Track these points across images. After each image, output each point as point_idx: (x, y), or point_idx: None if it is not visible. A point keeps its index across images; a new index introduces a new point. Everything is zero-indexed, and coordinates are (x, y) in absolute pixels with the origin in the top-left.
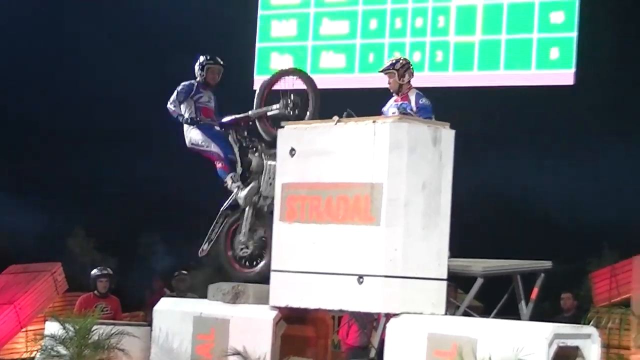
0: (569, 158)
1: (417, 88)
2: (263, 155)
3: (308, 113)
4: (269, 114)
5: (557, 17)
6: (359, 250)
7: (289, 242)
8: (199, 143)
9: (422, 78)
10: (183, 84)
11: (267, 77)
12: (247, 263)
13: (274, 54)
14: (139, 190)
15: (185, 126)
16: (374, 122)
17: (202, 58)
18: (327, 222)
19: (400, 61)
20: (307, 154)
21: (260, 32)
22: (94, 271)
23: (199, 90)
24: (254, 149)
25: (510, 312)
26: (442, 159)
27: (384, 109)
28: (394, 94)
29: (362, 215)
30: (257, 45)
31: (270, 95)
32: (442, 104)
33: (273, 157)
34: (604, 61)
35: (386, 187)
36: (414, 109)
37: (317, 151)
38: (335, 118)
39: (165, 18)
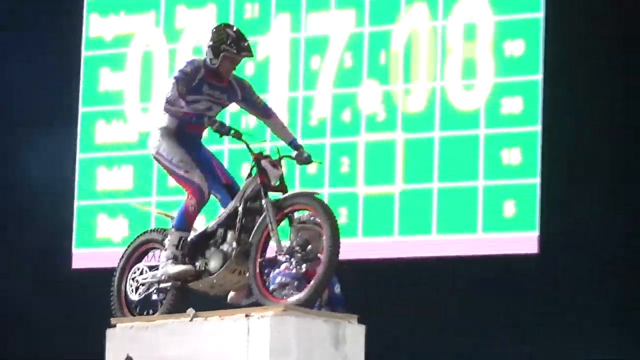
0: None
1: None
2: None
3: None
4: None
5: None
6: None
7: None
8: (174, 161)
9: None
10: (187, 62)
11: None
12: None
13: (102, 215)
14: None
15: (157, 130)
16: (247, 316)
17: (222, 34)
18: None
19: None
20: None
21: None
22: None
23: (202, 81)
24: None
25: None
26: None
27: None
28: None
29: None
30: (77, 203)
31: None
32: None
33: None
34: None
35: None
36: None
37: None
38: (191, 311)
39: None
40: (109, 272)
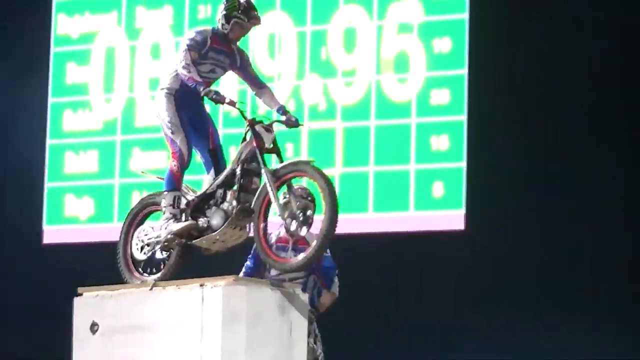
0: None
1: None
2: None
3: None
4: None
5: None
6: None
7: None
8: (165, 121)
9: None
10: (196, 31)
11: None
12: (148, 269)
13: (69, 195)
14: None
15: (160, 92)
16: (201, 286)
17: (234, 2)
18: None
19: None
20: (113, 330)
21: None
22: None
23: (209, 49)
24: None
25: None
26: (293, 332)
27: None
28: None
29: None
30: (47, 185)
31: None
32: None
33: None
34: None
35: None
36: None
37: (127, 326)
38: (151, 281)
39: None
40: (77, 246)
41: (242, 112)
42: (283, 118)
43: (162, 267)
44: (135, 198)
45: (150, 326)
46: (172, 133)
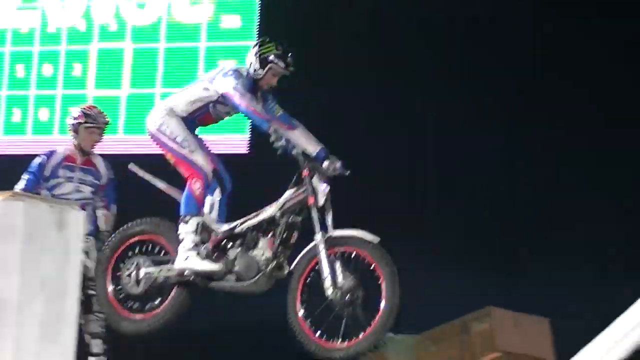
0: None
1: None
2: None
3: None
4: None
5: None
6: None
7: None
8: (177, 140)
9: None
10: (237, 74)
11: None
12: (136, 305)
13: None
14: None
15: (163, 109)
16: None
17: (270, 47)
18: None
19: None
20: None
21: None
22: None
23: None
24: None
25: None
26: (70, 250)
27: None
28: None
29: None
30: None
31: None
32: None
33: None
34: None
35: None
36: (104, 180)
37: None
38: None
39: None
40: None
41: (299, 161)
42: (326, 163)
43: (157, 303)
44: None
45: None
46: (192, 152)
